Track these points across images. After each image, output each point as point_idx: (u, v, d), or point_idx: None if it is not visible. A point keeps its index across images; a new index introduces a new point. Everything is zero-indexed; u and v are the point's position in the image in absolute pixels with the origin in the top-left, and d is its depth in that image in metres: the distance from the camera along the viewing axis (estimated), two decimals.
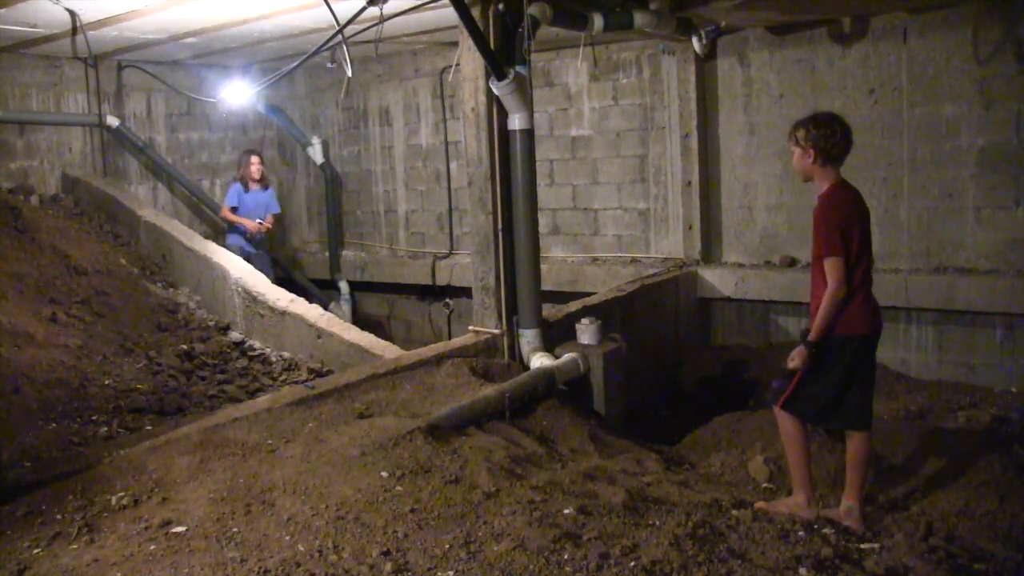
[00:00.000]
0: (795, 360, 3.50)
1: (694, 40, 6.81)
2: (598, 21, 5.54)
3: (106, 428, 4.82)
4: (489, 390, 4.43)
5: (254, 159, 8.34)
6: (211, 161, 9.24)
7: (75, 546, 2.89)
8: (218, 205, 9.08)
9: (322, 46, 5.22)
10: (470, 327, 5.47)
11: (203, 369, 6.07)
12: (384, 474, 3.36)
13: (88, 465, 3.50)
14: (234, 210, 8.25)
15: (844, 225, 3.50)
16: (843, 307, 3.46)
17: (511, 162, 5.13)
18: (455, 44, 5.56)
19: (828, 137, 3.63)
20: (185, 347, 6.30)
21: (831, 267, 3.44)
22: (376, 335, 6.32)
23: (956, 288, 6.05)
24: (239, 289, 6.82)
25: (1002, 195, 6.06)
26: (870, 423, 3.61)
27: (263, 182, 8.42)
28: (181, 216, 8.69)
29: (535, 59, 7.44)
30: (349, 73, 5.58)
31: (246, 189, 8.33)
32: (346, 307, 9.53)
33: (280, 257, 9.51)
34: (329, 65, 8.04)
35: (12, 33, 6.49)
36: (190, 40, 7.12)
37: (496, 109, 5.07)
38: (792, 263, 6.90)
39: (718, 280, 7.04)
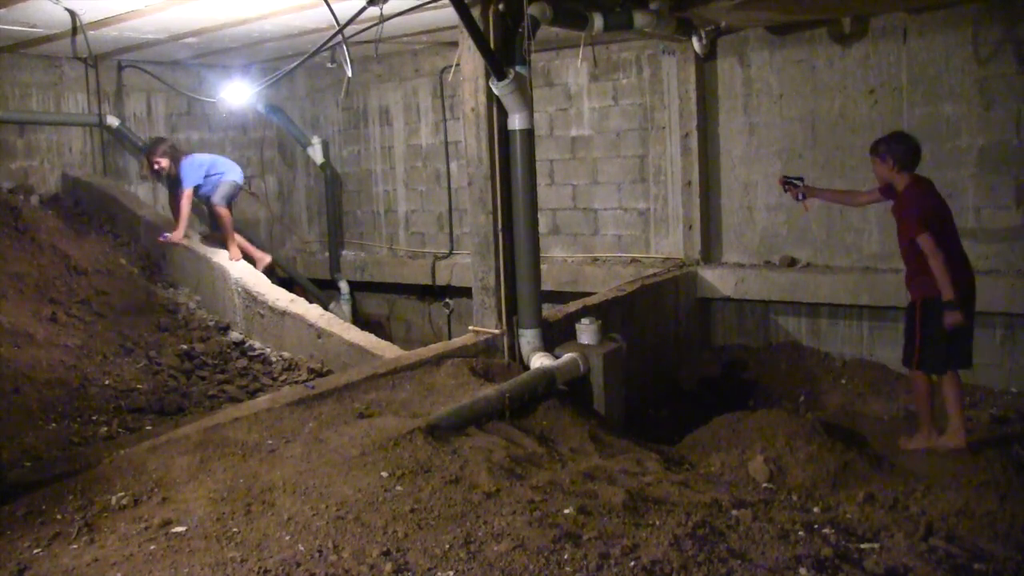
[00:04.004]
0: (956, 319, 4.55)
1: (694, 40, 6.81)
2: (598, 21, 5.54)
3: (106, 428, 4.82)
4: (489, 390, 4.43)
5: (153, 159, 7.37)
6: None
7: (75, 546, 2.89)
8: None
9: (322, 46, 5.22)
10: (470, 327, 5.47)
11: (203, 369, 6.07)
12: (384, 474, 3.36)
13: (88, 465, 3.50)
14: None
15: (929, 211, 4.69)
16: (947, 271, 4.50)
17: (511, 162, 5.13)
18: (455, 44, 5.56)
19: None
20: (185, 347, 6.30)
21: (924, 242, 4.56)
22: (376, 335, 6.32)
23: None
24: (239, 289, 6.82)
25: (1002, 195, 6.06)
26: (971, 361, 4.78)
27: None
28: None
29: (535, 59, 7.44)
30: (349, 73, 5.58)
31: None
32: (346, 307, 9.53)
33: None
34: (329, 65, 8.04)
35: (12, 33, 6.49)
36: (190, 40, 7.12)
37: (496, 109, 5.07)
38: (792, 263, 6.90)
39: (718, 280, 7.04)
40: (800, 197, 5.38)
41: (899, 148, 4.73)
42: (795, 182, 5.39)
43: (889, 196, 5.02)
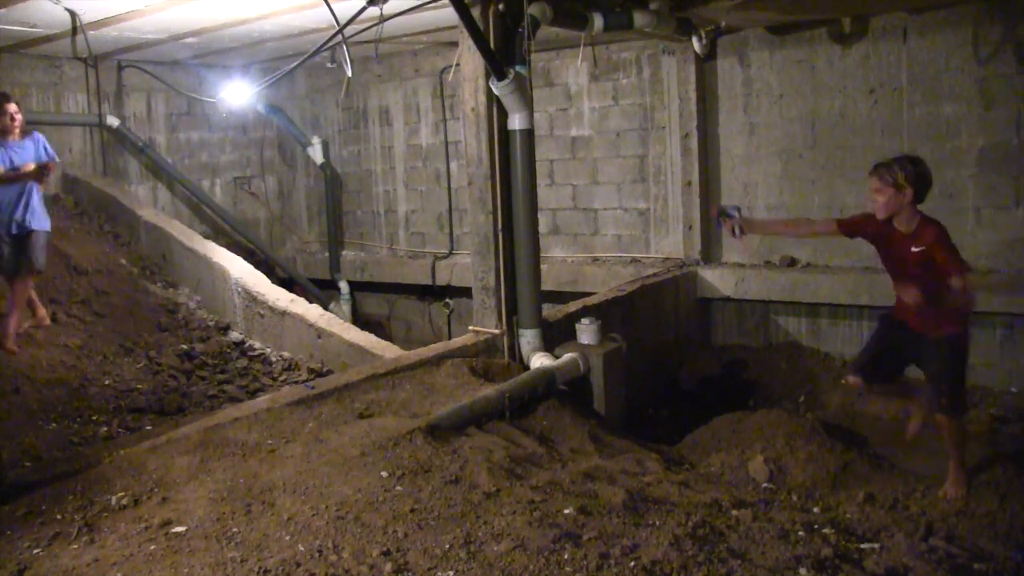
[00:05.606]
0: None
1: (694, 40, 6.81)
2: (598, 21, 5.54)
3: (106, 428, 4.82)
4: (489, 390, 4.43)
5: (11, 107, 5.68)
6: (211, 161, 9.25)
7: (75, 546, 2.89)
8: (219, 206, 9.08)
9: (322, 46, 5.22)
10: (470, 327, 5.47)
11: (203, 369, 6.07)
12: (384, 474, 3.36)
13: (88, 465, 3.50)
14: None
15: None
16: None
17: (511, 162, 5.13)
18: (455, 44, 5.56)
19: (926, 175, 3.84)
20: (185, 347, 6.30)
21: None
22: (376, 335, 6.31)
23: None
24: (239, 289, 6.82)
25: (1002, 195, 6.06)
26: None
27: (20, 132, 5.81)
28: (181, 216, 8.68)
29: (535, 59, 7.44)
30: (349, 73, 5.58)
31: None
32: (346, 307, 9.53)
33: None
34: (329, 65, 8.04)
35: (12, 33, 6.49)
36: (190, 40, 7.12)
37: (496, 109, 5.07)
38: (792, 263, 6.90)
39: (718, 280, 7.04)
40: (737, 232, 4.26)
41: (922, 179, 3.79)
42: (731, 212, 4.30)
43: (857, 234, 4.15)
